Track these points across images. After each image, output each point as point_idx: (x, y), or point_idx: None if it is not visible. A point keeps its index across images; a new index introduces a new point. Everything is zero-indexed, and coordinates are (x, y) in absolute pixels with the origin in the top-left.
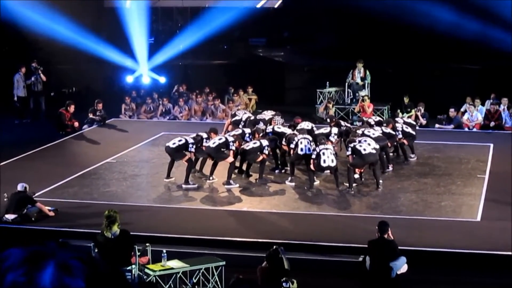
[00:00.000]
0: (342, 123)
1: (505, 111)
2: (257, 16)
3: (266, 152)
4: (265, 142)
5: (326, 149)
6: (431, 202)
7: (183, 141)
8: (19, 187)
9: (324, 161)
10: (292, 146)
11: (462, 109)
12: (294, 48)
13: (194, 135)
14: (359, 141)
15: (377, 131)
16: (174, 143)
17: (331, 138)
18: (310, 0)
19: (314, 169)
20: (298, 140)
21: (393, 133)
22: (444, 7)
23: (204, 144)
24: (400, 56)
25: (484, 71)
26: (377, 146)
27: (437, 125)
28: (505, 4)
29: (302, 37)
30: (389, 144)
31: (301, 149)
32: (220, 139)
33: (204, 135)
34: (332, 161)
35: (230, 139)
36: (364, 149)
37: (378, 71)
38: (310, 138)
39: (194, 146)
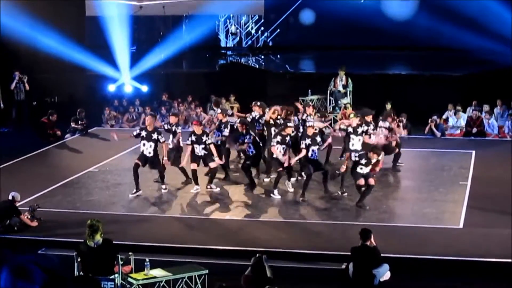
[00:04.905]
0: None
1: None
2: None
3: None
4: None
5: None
6: (413, 209)
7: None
8: (10, 196)
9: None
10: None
11: (444, 116)
12: (276, 56)
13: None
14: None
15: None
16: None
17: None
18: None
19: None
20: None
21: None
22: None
23: (178, 130)
24: (382, 63)
25: (465, 78)
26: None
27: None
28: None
29: (284, 45)
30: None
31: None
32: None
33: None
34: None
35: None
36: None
37: (360, 79)
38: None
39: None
